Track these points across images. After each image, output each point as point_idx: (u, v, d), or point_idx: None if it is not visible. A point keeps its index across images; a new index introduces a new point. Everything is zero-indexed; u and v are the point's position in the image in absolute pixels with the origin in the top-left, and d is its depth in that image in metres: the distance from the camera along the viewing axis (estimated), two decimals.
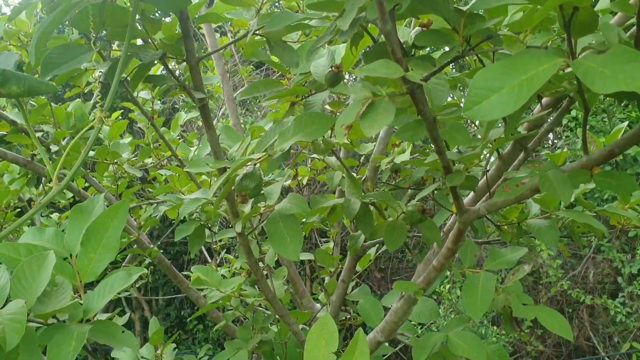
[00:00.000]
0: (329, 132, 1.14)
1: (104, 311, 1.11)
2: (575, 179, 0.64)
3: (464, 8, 0.63)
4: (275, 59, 1.03)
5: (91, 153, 1.61)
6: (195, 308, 1.44)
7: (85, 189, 1.80)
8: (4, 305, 0.64)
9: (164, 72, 1.05)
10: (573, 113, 4.63)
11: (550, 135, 5.08)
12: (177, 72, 1.61)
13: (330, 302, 1.44)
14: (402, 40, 0.73)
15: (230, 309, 1.39)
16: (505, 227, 1.16)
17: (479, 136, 0.88)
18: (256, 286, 1.38)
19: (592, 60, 0.47)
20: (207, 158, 1.21)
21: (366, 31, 0.72)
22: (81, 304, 0.70)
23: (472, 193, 1.11)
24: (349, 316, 1.54)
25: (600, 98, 4.47)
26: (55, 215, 2.22)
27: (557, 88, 0.71)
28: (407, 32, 0.85)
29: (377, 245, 1.44)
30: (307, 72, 0.97)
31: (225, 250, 2.38)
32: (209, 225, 1.37)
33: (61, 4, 0.72)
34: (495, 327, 4.54)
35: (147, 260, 1.69)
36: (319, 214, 1.18)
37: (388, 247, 1.01)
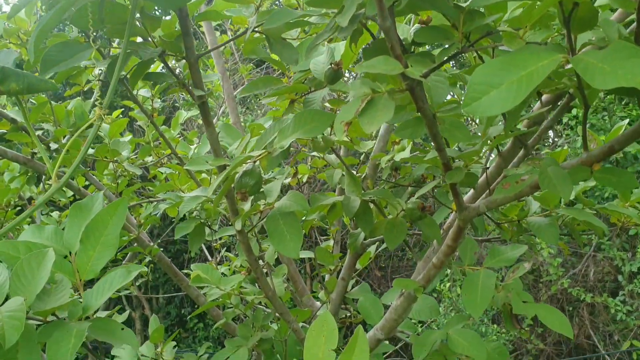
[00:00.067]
0: (329, 129, 1.14)
1: (104, 309, 1.11)
2: (575, 176, 0.64)
3: (464, 4, 0.63)
4: (275, 56, 1.03)
5: (91, 151, 1.61)
6: (196, 306, 1.44)
7: (86, 187, 1.80)
8: (3, 303, 0.64)
9: (163, 70, 1.05)
10: (574, 112, 4.63)
11: (551, 134, 5.07)
12: (177, 71, 1.61)
13: (330, 300, 1.44)
14: (401, 37, 0.73)
15: (231, 307, 1.39)
16: (505, 224, 1.16)
17: (479, 134, 0.87)
18: (256, 284, 1.38)
19: (592, 56, 0.47)
20: (207, 156, 1.21)
21: (366, 28, 0.72)
22: (80, 302, 0.70)
23: (471, 190, 1.11)
24: (349, 314, 1.54)
25: (600, 96, 4.46)
26: (55, 214, 2.23)
27: (557, 85, 0.71)
28: (407, 29, 0.85)
29: (377, 243, 1.44)
30: (307, 70, 0.97)
31: (225, 248, 2.38)
32: (209, 223, 1.37)
33: (60, 2, 0.72)
34: (495, 326, 4.54)
35: (148, 259, 1.69)
36: (319, 211, 1.18)
37: (388, 244, 1.01)
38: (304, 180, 1.66)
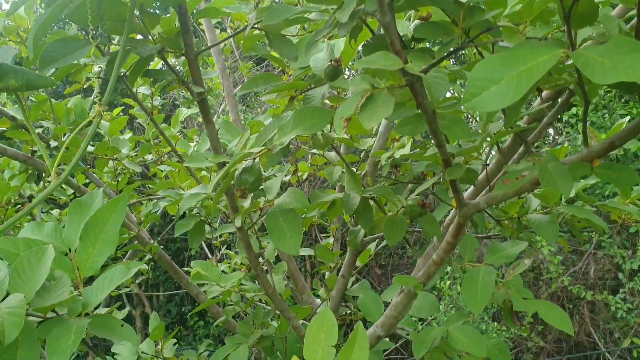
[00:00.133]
0: (329, 126, 1.14)
1: (104, 307, 1.12)
2: (575, 172, 0.64)
3: (464, 0, 0.62)
4: (274, 54, 1.03)
5: (91, 148, 1.61)
6: (196, 304, 1.45)
7: (86, 185, 1.80)
8: (3, 299, 0.64)
9: (163, 67, 1.05)
10: (574, 110, 4.63)
11: (551, 132, 5.07)
12: (176, 68, 1.61)
13: (330, 298, 1.44)
14: (401, 34, 0.72)
15: (231, 304, 1.39)
16: (505, 221, 1.16)
17: (479, 131, 0.87)
18: (256, 281, 1.38)
19: (592, 51, 0.47)
20: (207, 153, 1.21)
21: (365, 24, 0.72)
22: (80, 298, 0.70)
23: (472, 187, 1.11)
24: (349, 311, 1.54)
25: (600, 94, 4.46)
26: (55, 212, 2.23)
27: (557, 81, 0.71)
28: (407, 25, 0.85)
29: (377, 241, 1.44)
30: (307, 67, 0.97)
31: (225, 246, 2.38)
32: (209, 220, 1.37)
33: None
34: (495, 323, 4.55)
35: (148, 256, 1.69)
36: (319, 208, 1.17)
37: (388, 241, 1.01)
38: (304, 177, 1.66)
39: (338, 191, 1.36)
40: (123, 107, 2.14)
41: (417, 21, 0.69)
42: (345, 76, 1.04)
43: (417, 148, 1.20)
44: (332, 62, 0.91)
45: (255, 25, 0.89)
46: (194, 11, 0.98)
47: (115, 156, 1.62)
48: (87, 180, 1.81)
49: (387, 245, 1.08)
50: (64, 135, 1.52)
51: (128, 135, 1.85)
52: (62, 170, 0.93)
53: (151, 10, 0.89)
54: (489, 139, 0.81)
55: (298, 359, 0.67)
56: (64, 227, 0.79)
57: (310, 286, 1.69)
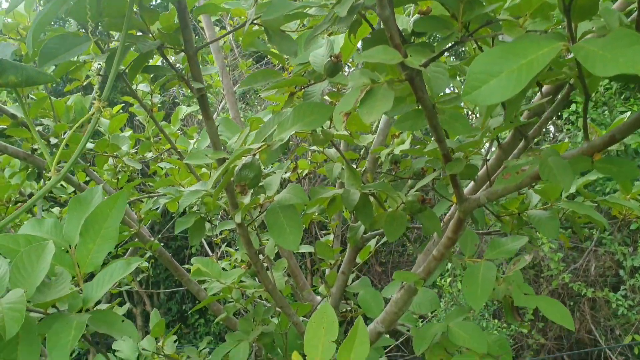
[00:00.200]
0: (328, 122, 1.13)
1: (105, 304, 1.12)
2: (576, 166, 0.63)
3: None
4: (274, 50, 1.03)
5: (91, 145, 1.61)
6: (197, 302, 1.44)
7: (86, 183, 1.80)
8: (4, 295, 0.64)
9: (163, 64, 1.05)
10: (573, 107, 4.62)
11: (552, 129, 5.07)
12: (176, 66, 1.60)
13: (330, 294, 1.44)
14: (401, 29, 0.72)
15: (231, 301, 1.39)
16: (506, 217, 1.16)
17: (480, 126, 0.87)
18: (256, 278, 1.38)
19: (593, 44, 0.47)
20: (207, 150, 1.21)
21: (365, 19, 0.72)
22: (80, 294, 0.70)
23: (472, 183, 1.11)
24: (349, 308, 1.54)
25: (600, 91, 4.45)
26: (56, 210, 2.23)
27: (558, 75, 0.70)
28: (406, 21, 0.84)
29: (377, 237, 1.44)
30: (306, 62, 0.97)
31: (225, 243, 2.38)
32: (209, 218, 1.37)
33: None
34: (496, 320, 4.55)
35: (148, 254, 1.69)
36: (319, 204, 1.17)
37: (388, 237, 1.01)
38: (304, 174, 1.66)
39: (338, 188, 1.36)
40: (123, 104, 2.14)
41: (416, 16, 0.69)
42: (345, 72, 1.03)
43: (417, 144, 1.20)
44: (332, 57, 0.91)
45: (255, 21, 0.89)
46: (194, 7, 0.98)
47: (115, 153, 1.62)
48: (87, 178, 1.81)
49: (387, 242, 1.08)
50: (64, 132, 1.52)
51: (128, 132, 1.85)
52: (62, 167, 0.93)
53: (150, 6, 0.89)
54: (488, 133, 0.81)
55: (299, 354, 0.67)
56: (64, 223, 0.79)
57: (311, 283, 1.69)
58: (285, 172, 1.59)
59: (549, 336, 4.70)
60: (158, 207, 1.66)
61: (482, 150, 1.06)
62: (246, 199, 1.04)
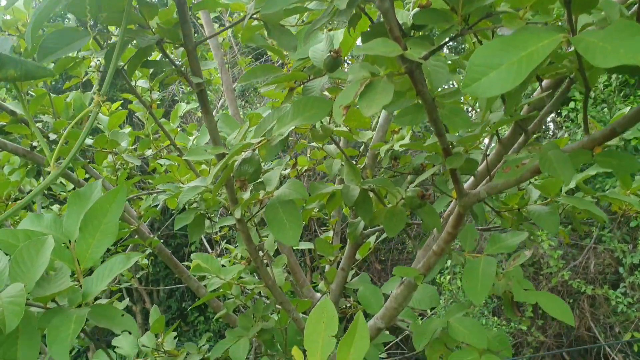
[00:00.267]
0: (328, 119, 1.13)
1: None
2: (576, 159, 0.63)
3: None
4: (274, 45, 1.03)
5: (90, 141, 1.61)
6: (196, 300, 1.44)
7: (86, 180, 1.80)
8: (3, 290, 0.64)
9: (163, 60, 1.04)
10: (572, 105, 4.62)
11: (551, 126, 5.07)
12: (176, 61, 1.60)
13: (330, 291, 1.44)
14: (400, 23, 0.72)
15: (231, 298, 1.39)
16: (506, 213, 1.16)
17: (479, 121, 0.87)
18: (256, 274, 1.38)
19: (593, 35, 0.47)
20: (206, 146, 1.21)
21: (364, 13, 0.71)
22: (80, 289, 0.70)
23: (472, 178, 1.11)
24: (349, 305, 1.54)
25: (600, 88, 4.45)
26: (55, 207, 2.22)
27: (558, 69, 0.70)
28: (406, 15, 0.84)
29: (376, 234, 1.44)
30: (306, 58, 0.97)
31: (225, 240, 2.38)
32: (209, 214, 1.37)
33: None
34: (495, 318, 4.55)
35: (148, 251, 1.69)
36: (318, 200, 1.17)
37: (387, 232, 1.01)
38: (303, 171, 1.66)
39: (337, 184, 1.36)
40: (122, 101, 2.13)
41: (416, 9, 0.69)
42: (346, 70, 1.03)
43: (416, 141, 1.20)
44: (332, 52, 0.91)
45: (254, 15, 0.89)
46: (193, 3, 0.98)
47: (114, 150, 1.62)
48: (87, 175, 1.80)
49: (387, 240, 1.08)
50: (64, 129, 1.51)
51: (127, 130, 1.85)
52: (62, 163, 0.93)
53: (149, 1, 0.88)
54: (488, 128, 0.81)
55: (299, 349, 0.67)
56: (63, 219, 0.79)
57: (310, 280, 1.69)
58: (285, 169, 1.59)
59: (549, 333, 4.71)
60: (158, 204, 1.65)
61: (482, 145, 1.06)
62: (246, 195, 1.04)
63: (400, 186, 1.14)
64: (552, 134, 5.03)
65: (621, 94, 4.52)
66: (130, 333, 1.32)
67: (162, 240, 1.79)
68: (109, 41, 1.09)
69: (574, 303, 4.69)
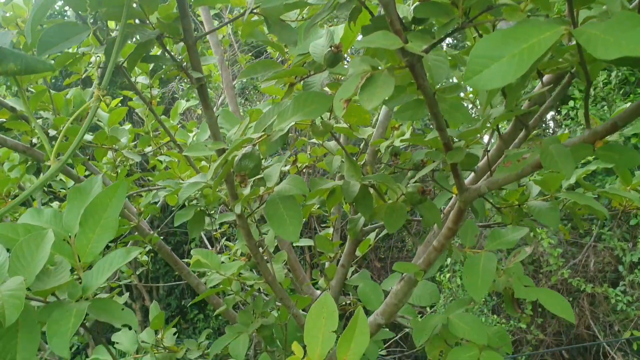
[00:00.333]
0: (328, 114, 1.13)
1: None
2: (577, 153, 0.63)
3: None
4: (273, 40, 1.02)
5: (90, 138, 1.61)
6: (196, 297, 1.44)
7: (86, 177, 1.80)
8: (3, 283, 0.64)
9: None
10: (572, 103, 4.62)
11: (552, 124, 5.07)
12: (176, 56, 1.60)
13: (330, 287, 1.44)
14: (401, 16, 0.72)
15: (231, 294, 1.39)
16: (506, 209, 1.16)
17: (480, 116, 0.87)
18: (254, 270, 1.38)
19: (595, 28, 0.47)
20: (206, 142, 1.21)
21: (364, 6, 0.71)
22: (80, 283, 0.70)
23: (472, 174, 1.11)
24: (349, 302, 1.54)
25: (599, 86, 4.45)
26: (55, 204, 2.22)
27: (559, 64, 0.70)
28: (407, 9, 0.84)
29: (376, 230, 1.44)
30: (306, 53, 0.97)
31: (225, 237, 2.38)
32: (208, 211, 1.37)
33: None
34: (495, 316, 4.56)
35: (148, 248, 1.69)
36: (318, 196, 1.17)
37: (388, 228, 1.01)
38: (303, 168, 1.66)
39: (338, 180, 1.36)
40: (122, 98, 2.13)
41: (417, 3, 0.68)
42: (346, 66, 1.03)
43: (416, 136, 1.20)
44: (332, 48, 0.91)
45: (254, 10, 0.88)
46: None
47: (114, 146, 1.62)
48: (87, 172, 1.80)
49: (386, 238, 1.08)
50: (63, 125, 1.51)
51: (127, 126, 1.85)
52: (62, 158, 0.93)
53: None
54: (489, 123, 0.81)
55: (299, 345, 0.67)
56: (63, 214, 0.79)
57: (310, 277, 1.69)
58: (285, 165, 1.59)
59: (548, 332, 4.71)
60: (157, 201, 1.65)
61: (482, 140, 1.06)
62: (246, 190, 1.03)
63: (401, 182, 1.14)
64: (552, 132, 5.03)
65: (621, 92, 4.52)
66: (130, 328, 1.32)
67: (161, 238, 1.79)
68: (108, 36, 1.09)
69: (573, 301, 4.69)
